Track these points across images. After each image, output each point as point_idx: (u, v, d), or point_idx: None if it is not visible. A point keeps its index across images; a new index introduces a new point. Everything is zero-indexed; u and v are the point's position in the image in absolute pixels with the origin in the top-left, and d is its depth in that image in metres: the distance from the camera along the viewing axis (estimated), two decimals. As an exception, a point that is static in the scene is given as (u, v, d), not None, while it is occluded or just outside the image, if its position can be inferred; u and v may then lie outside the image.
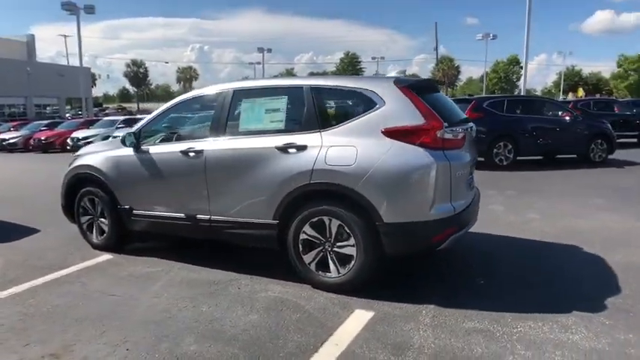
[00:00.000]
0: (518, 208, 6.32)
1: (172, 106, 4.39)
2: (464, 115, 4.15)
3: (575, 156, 10.97)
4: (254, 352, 2.72)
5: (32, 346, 2.85)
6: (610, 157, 10.79)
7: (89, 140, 15.80)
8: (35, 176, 12.31)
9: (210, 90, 4.17)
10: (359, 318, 3.10)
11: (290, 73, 69.90)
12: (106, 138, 13.29)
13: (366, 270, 3.34)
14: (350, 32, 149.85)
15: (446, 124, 3.29)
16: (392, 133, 3.24)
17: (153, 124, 4.45)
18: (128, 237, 4.69)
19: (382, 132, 3.27)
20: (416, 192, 3.19)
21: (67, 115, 42.36)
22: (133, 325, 3.10)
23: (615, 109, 15.84)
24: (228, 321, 3.12)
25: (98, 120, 22.88)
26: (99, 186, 4.60)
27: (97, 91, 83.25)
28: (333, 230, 3.41)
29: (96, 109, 51.07)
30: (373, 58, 66.44)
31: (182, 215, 4.08)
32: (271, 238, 3.67)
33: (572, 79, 60.74)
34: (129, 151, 4.37)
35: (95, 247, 4.78)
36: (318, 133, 3.47)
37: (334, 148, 3.35)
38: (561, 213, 5.98)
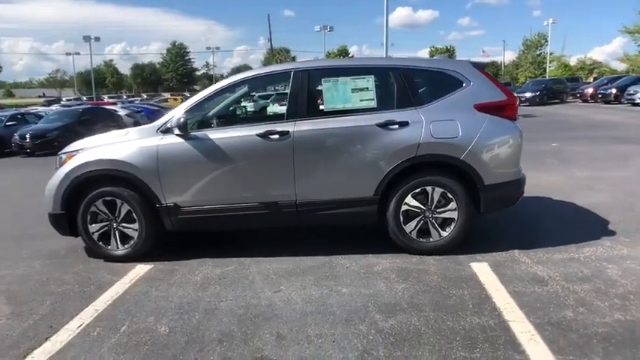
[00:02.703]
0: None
1: (223, 89, 3.80)
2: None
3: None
4: (443, 309, 2.81)
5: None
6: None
7: None
8: None
9: (271, 71, 3.79)
10: (482, 267, 3.42)
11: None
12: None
13: (464, 230, 3.66)
14: (166, 22, 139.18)
15: (512, 100, 3.81)
16: (483, 108, 3.60)
17: (200, 109, 3.78)
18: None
19: (474, 107, 3.60)
20: (508, 157, 3.64)
21: None
22: (300, 319, 2.79)
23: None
24: (385, 294, 3.07)
25: None
26: (126, 183, 3.71)
27: None
28: (435, 198, 3.61)
29: None
30: (208, 48, 63.81)
31: (255, 204, 3.66)
32: (370, 214, 3.65)
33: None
34: (174, 139, 3.64)
35: (115, 258, 3.85)
36: (415, 110, 3.59)
37: (437, 123, 3.53)
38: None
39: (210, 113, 3.91)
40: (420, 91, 3.72)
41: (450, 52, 62.49)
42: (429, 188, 3.59)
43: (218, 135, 3.63)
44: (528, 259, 3.57)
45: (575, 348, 2.40)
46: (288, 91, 3.68)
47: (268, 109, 4.47)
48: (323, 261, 3.69)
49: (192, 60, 72.75)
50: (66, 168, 3.80)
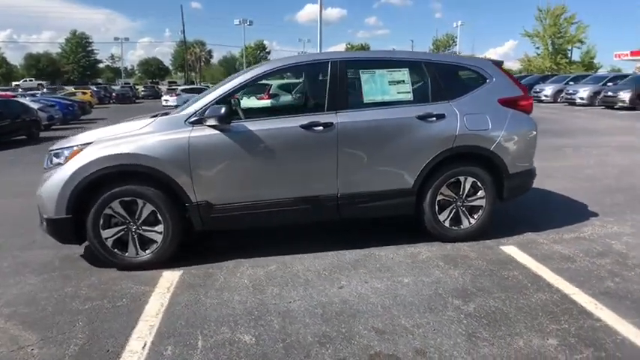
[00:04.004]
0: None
1: (257, 78, 3.48)
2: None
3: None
4: (508, 290, 2.93)
5: None
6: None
7: None
8: None
9: (308, 60, 3.58)
10: (512, 250, 3.63)
11: None
12: None
13: (490, 216, 3.85)
14: (57, 9, 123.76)
15: (523, 96, 4.09)
16: (506, 102, 3.80)
17: (229, 98, 3.42)
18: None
19: (498, 101, 3.79)
20: (528, 147, 3.89)
21: None
22: (386, 312, 2.69)
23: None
24: (447, 281, 3.10)
25: None
26: (149, 181, 3.24)
27: None
28: (467, 187, 3.74)
29: None
30: (116, 39, 58.30)
31: (296, 198, 3.44)
32: (409, 204, 3.66)
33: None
34: (208, 131, 3.27)
35: (134, 266, 3.35)
36: (448, 103, 3.67)
37: (470, 116, 3.65)
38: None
39: (244, 103, 3.57)
40: (451, 85, 3.80)
41: (365, 50, 65.28)
42: (461, 178, 3.70)
43: (257, 126, 3.33)
44: (544, 240, 3.87)
45: (635, 311, 2.67)
46: (327, 80, 3.51)
47: (305, 99, 4.18)
48: (363, 254, 3.60)
49: (95, 51, 65.82)
50: (72, 165, 3.19)
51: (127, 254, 3.34)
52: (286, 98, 4.51)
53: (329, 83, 3.49)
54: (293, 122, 3.39)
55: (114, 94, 35.73)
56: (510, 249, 3.67)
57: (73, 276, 3.32)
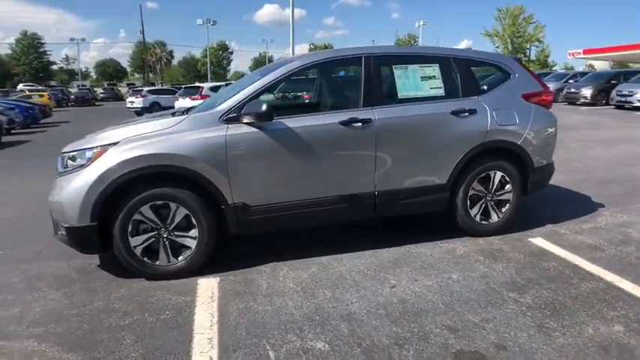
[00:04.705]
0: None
1: (290, 74, 3.30)
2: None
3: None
4: (554, 280, 2.95)
5: None
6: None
7: None
8: None
9: (341, 55, 3.44)
10: (542, 241, 3.67)
11: None
12: None
13: (516, 209, 3.88)
14: (7, 8, 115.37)
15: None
16: (529, 97, 3.85)
17: (263, 94, 3.23)
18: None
19: (522, 96, 3.83)
20: (550, 141, 3.95)
21: None
22: (449, 309, 2.63)
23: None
24: (495, 275, 3.07)
25: None
26: (182, 183, 3.00)
27: None
28: (496, 181, 3.74)
29: None
30: (72, 39, 55.08)
31: (334, 197, 3.31)
32: (442, 200, 3.62)
33: (265, 63, 68.56)
34: (246, 129, 3.07)
35: (165, 275, 3.09)
36: (478, 99, 3.66)
37: (499, 111, 3.65)
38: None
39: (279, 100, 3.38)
40: (479, 80, 3.80)
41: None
42: (491, 173, 3.71)
43: (295, 123, 3.16)
44: (565, 231, 3.95)
45: (681, 294, 2.76)
46: (362, 76, 3.39)
47: (337, 95, 4.02)
48: (400, 252, 3.52)
49: (48, 52, 61.84)
50: (98, 167, 2.89)
51: (157, 262, 3.07)
52: (321, 94, 4.29)
53: (364, 79, 3.38)
54: (331, 119, 3.25)
55: (72, 96, 33.75)
56: (538, 241, 3.71)
57: (98, 289, 3.01)
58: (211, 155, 2.99)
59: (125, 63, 74.74)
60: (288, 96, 5.58)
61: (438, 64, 3.63)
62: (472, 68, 3.77)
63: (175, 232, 3.06)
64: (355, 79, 3.44)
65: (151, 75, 58.84)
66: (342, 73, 4.33)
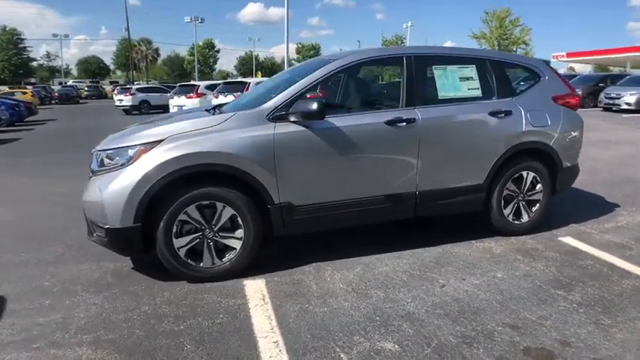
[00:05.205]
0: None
1: (336, 72, 3.25)
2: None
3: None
4: (596, 278, 3.00)
5: None
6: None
7: None
8: None
9: (384, 54, 3.43)
10: (572, 241, 3.72)
11: None
12: None
13: (546, 209, 3.92)
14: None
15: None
16: (557, 99, 3.90)
17: (308, 92, 3.17)
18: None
19: (552, 98, 3.88)
20: (577, 142, 4.01)
21: None
22: (505, 308, 2.63)
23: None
24: (537, 273, 3.10)
25: None
26: (229, 182, 2.92)
27: None
28: (528, 181, 3.78)
29: None
30: (55, 36, 53.48)
31: (378, 197, 3.28)
32: (479, 200, 3.63)
33: (251, 63, 67.72)
34: (294, 128, 3.01)
35: (209, 277, 3.00)
36: (512, 100, 3.68)
37: (533, 112, 3.69)
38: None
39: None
40: (512, 82, 3.82)
41: (316, 49, 65.43)
42: (524, 173, 3.74)
43: (342, 122, 3.12)
44: (590, 230, 4.02)
45: None
46: (404, 75, 3.37)
47: (378, 94, 3.98)
48: (438, 251, 3.52)
49: (28, 49, 59.70)
50: (142, 166, 2.78)
51: (201, 264, 2.97)
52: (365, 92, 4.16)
53: (406, 78, 3.36)
54: (376, 118, 3.22)
55: (56, 94, 32.73)
56: (568, 240, 3.76)
57: (139, 292, 2.90)
58: (260, 154, 2.92)
59: (108, 60, 73.02)
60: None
61: (474, 65, 3.64)
62: (506, 70, 3.79)
63: (221, 233, 2.98)
64: (399, 78, 3.41)
65: (135, 73, 57.61)
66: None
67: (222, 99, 13.84)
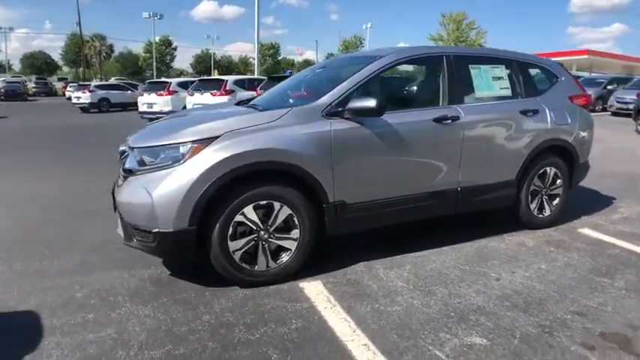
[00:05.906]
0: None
1: (381, 70, 3.20)
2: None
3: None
4: (629, 266, 3.18)
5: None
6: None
7: None
8: None
9: (424, 53, 3.43)
10: (591, 232, 3.92)
11: None
12: None
13: (565, 203, 4.11)
14: None
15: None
16: (574, 99, 4.10)
17: (360, 89, 3.10)
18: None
19: (568, 98, 4.06)
20: (590, 139, 4.23)
21: None
22: (562, 298, 2.71)
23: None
24: (576, 264, 3.24)
25: None
26: (287, 180, 2.80)
27: None
28: (551, 177, 3.94)
29: None
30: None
31: (423, 194, 3.29)
32: (511, 195, 3.73)
33: (208, 61, 65.87)
34: (349, 124, 2.94)
35: (267, 279, 2.87)
36: (537, 99, 3.82)
37: (555, 111, 3.85)
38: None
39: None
40: (536, 82, 3.96)
41: (275, 49, 64.76)
42: (547, 169, 3.90)
43: (393, 119, 3.09)
44: (602, 221, 4.26)
45: None
46: (445, 74, 3.40)
47: (418, 93, 3.95)
48: (476, 246, 3.58)
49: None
50: (199, 165, 2.60)
51: (256, 267, 2.83)
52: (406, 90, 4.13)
53: (447, 77, 3.39)
54: (425, 115, 3.22)
55: (1, 90, 30.13)
56: (587, 231, 3.97)
57: (192, 301, 2.71)
58: (317, 151, 2.83)
59: (55, 56, 68.32)
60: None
61: (504, 65, 3.74)
62: (531, 70, 3.93)
63: (276, 235, 2.84)
64: (441, 76, 3.41)
65: (86, 69, 54.26)
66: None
67: (197, 97, 13.32)
